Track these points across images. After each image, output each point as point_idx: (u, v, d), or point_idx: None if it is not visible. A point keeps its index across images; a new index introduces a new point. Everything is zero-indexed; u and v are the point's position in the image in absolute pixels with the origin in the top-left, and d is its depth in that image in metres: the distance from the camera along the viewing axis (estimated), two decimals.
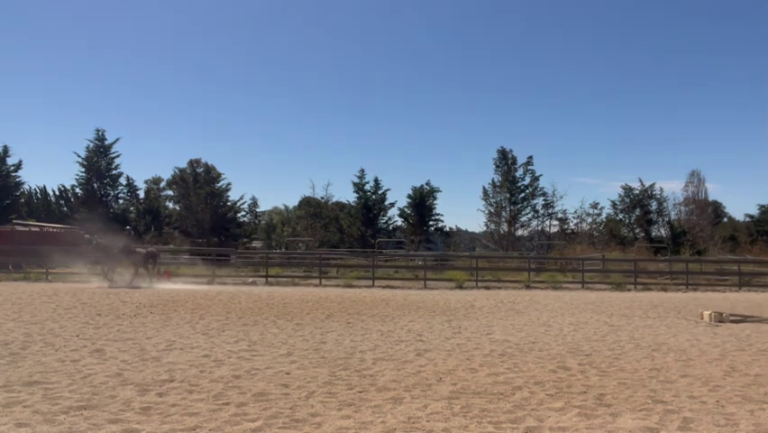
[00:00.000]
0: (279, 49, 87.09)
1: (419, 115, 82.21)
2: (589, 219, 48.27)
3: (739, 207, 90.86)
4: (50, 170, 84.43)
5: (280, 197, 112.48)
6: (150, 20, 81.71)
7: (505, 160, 46.63)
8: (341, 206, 48.82)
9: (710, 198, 51.89)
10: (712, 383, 7.01)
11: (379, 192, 46.53)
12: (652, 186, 45.91)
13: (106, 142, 45.93)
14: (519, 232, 47.46)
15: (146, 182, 53.78)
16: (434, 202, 46.75)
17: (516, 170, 46.45)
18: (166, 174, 60.97)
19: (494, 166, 46.96)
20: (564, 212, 48.18)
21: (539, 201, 46.94)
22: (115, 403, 5.68)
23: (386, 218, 47.17)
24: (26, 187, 48.47)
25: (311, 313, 13.39)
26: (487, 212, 47.13)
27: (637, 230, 45.53)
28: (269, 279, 24.25)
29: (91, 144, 45.51)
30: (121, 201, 47.67)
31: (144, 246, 24.59)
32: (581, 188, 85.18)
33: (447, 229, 48.44)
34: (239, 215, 48.27)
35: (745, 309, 15.04)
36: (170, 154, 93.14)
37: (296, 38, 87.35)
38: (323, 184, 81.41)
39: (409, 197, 46.43)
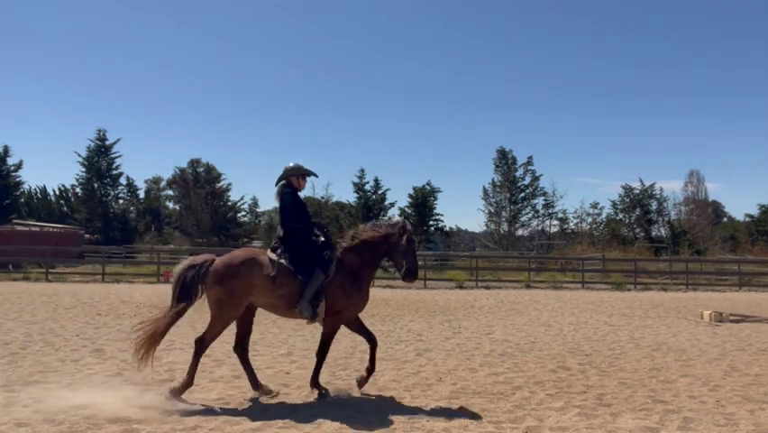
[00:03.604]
0: (280, 48, 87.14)
1: (419, 115, 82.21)
2: (590, 219, 48.25)
3: (739, 207, 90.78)
4: (50, 170, 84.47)
5: None
6: (151, 20, 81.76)
7: (505, 160, 46.59)
8: (341, 206, 48.80)
9: (710, 198, 51.95)
10: (712, 383, 7.01)
11: (379, 192, 46.51)
12: (652, 186, 45.86)
13: (107, 143, 45.93)
14: (519, 232, 47.40)
15: (146, 182, 53.75)
16: (435, 202, 46.74)
17: (516, 169, 46.43)
18: (166, 174, 60.93)
19: (494, 166, 46.96)
20: (564, 212, 48.17)
21: (539, 201, 46.93)
22: (115, 403, 5.67)
23: (386, 218, 47.09)
24: (26, 187, 48.53)
25: None
26: (487, 212, 47.13)
27: (637, 230, 45.48)
28: None
29: (92, 144, 45.51)
30: (121, 201, 47.65)
31: None
32: (582, 188, 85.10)
33: (447, 229, 48.40)
34: (239, 215, 48.25)
35: (745, 309, 15.04)
36: (170, 154, 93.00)
37: (295, 37, 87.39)
38: (323, 184, 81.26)
39: (410, 196, 46.38)
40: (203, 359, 7.80)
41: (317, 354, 6.24)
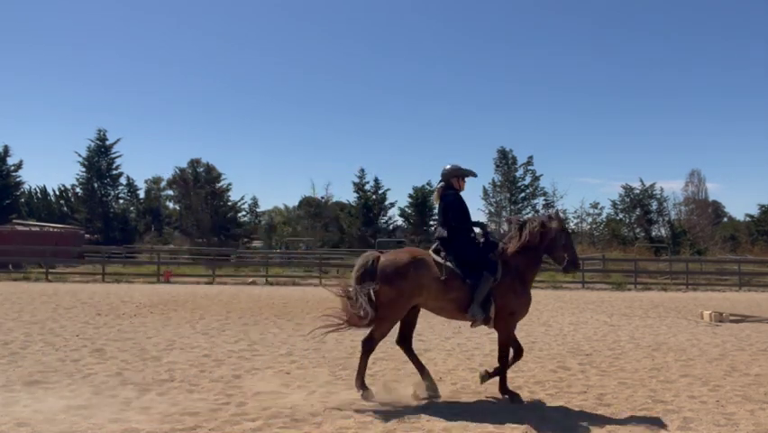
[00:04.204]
0: (280, 48, 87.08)
1: (419, 115, 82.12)
2: (590, 219, 48.23)
3: (739, 207, 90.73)
4: (50, 170, 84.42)
5: (280, 197, 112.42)
6: (151, 20, 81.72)
7: (505, 159, 46.59)
8: (341, 206, 48.79)
9: (710, 198, 51.92)
10: (712, 383, 7.00)
11: (380, 192, 46.52)
12: (652, 186, 45.83)
13: (107, 143, 45.95)
14: None
15: (146, 182, 53.81)
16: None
17: (516, 169, 46.44)
18: (166, 174, 60.95)
19: (494, 166, 46.96)
20: (564, 212, 48.13)
21: (539, 201, 46.93)
22: (115, 403, 5.68)
23: (386, 218, 47.15)
24: (26, 187, 48.52)
25: (311, 313, 13.39)
26: (487, 212, 47.14)
27: (637, 230, 45.45)
28: (269, 279, 24.26)
29: (92, 144, 45.53)
30: (121, 201, 47.65)
31: None
32: (582, 188, 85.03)
33: None
34: (239, 215, 48.23)
35: (745, 309, 15.03)
36: (170, 154, 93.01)
37: (295, 37, 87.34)
38: (323, 184, 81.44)
39: (410, 196, 46.37)
40: (202, 359, 7.88)
41: (499, 360, 6.22)
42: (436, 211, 6.83)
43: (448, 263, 6.00)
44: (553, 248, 6.17)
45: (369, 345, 6.08)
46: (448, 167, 6.47)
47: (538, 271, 6.54)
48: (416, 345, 9.31)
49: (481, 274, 5.95)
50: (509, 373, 7.36)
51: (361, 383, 6.01)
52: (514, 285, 6.07)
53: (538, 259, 6.28)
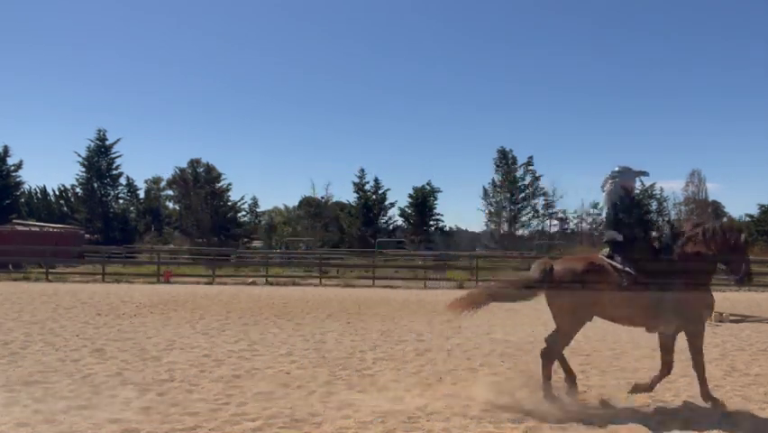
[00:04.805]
0: (280, 48, 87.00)
1: (419, 115, 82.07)
2: (590, 219, 48.29)
3: (739, 207, 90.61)
4: (50, 170, 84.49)
5: (280, 197, 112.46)
6: (151, 20, 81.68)
7: (505, 160, 46.64)
8: (341, 206, 48.82)
9: (710, 198, 51.94)
10: (712, 383, 6.98)
11: (380, 192, 46.56)
12: (652, 186, 45.94)
13: (107, 143, 45.98)
14: (520, 232, 47.47)
15: (146, 182, 53.84)
16: (435, 202, 46.83)
17: (516, 170, 46.48)
18: (166, 174, 60.89)
19: (494, 166, 47.00)
20: (565, 212, 48.21)
21: (540, 201, 46.98)
22: (115, 403, 5.68)
23: (386, 218, 47.21)
24: (26, 187, 48.54)
25: (311, 313, 13.39)
26: (487, 212, 47.19)
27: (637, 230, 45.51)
28: (269, 279, 24.26)
29: (92, 144, 45.57)
30: (121, 201, 47.69)
31: None
32: (582, 188, 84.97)
33: (447, 229, 48.46)
34: (239, 215, 48.26)
35: (745, 309, 15.03)
36: (170, 154, 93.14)
37: (295, 37, 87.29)
38: (323, 184, 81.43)
39: (410, 196, 46.45)
40: (202, 359, 7.88)
41: (695, 367, 5.98)
42: (603, 214, 6.59)
43: (627, 269, 5.77)
44: (734, 256, 5.94)
45: (549, 356, 5.92)
46: (617, 168, 6.26)
47: (714, 275, 6.26)
48: (416, 345, 9.36)
49: (664, 278, 5.69)
50: (510, 374, 7.38)
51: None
52: (695, 288, 5.81)
53: (714, 264, 6.01)
